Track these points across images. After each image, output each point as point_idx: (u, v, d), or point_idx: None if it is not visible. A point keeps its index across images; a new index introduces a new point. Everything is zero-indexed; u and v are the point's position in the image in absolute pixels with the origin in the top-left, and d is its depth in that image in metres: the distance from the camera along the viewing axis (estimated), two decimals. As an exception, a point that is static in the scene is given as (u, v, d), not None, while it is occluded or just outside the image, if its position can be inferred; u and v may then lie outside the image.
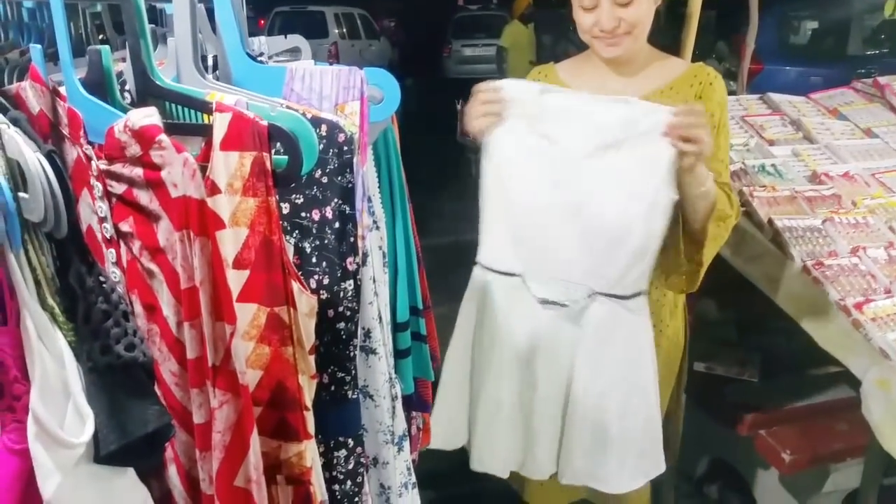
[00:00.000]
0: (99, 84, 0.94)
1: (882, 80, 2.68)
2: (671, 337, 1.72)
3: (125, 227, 0.89)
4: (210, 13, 1.15)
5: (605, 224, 1.34)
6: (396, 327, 1.35)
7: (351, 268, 1.05)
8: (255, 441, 0.87)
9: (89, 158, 0.87)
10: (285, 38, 1.51)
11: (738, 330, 2.54)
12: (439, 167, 5.49)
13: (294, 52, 1.59)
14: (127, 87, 1.03)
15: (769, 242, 1.96)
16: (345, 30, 10.84)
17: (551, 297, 1.37)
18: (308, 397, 0.99)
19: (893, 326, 1.66)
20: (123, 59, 1.05)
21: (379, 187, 1.27)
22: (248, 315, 0.95)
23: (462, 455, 1.48)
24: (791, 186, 2.12)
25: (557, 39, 6.94)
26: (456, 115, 4.27)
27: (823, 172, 2.19)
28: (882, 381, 1.60)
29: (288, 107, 1.01)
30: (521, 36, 7.18)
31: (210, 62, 1.16)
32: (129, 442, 0.75)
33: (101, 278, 0.77)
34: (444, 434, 1.50)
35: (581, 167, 1.33)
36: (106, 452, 0.75)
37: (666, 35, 2.08)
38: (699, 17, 2.22)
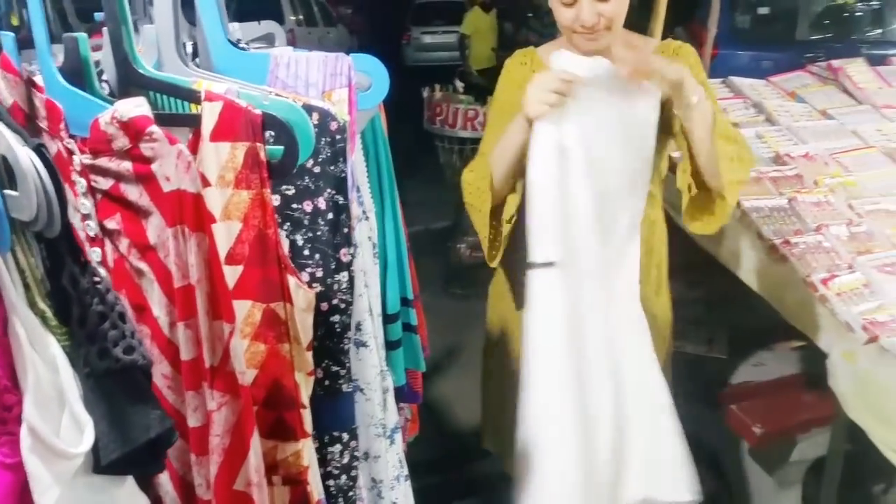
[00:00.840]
0: (76, 74, 0.90)
1: (835, 63, 2.75)
2: (659, 315, 1.73)
3: (111, 224, 0.84)
4: (183, 1, 1.10)
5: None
6: (387, 318, 1.33)
7: (345, 259, 1.03)
8: (255, 443, 0.84)
9: (71, 153, 0.83)
10: (259, 23, 1.46)
11: (705, 309, 2.58)
12: (403, 155, 5.44)
13: (268, 40, 1.55)
14: (104, 77, 0.98)
15: (737, 222, 2.00)
16: (301, 16, 10.62)
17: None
18: (305, 395, 0.97)
19: (857, 301, 1.70)
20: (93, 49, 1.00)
21: (367, 177, 1.25)
22: (243, 312, 0.91)
23: (450, 442, 1.48)
24: (756, 168, 2.16)
25: (518, 27, 6.95)
26: (421, 103, 4.25)
27: (786, 153, 2.24)
28: (848, 353, 1.64)
29: (277, 94, 0.98)
30: (482, 23, 7.15)
31: (189, 49, 1.11)
32: (131, 450, 0.72)
33: (96, 278, 0.73)
34: None
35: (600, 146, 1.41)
36: (108, 461, 0.71)
37: (634, 17, 2.10)
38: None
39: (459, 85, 4.36)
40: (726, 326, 2.43)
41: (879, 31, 6.13)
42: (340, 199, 1.00)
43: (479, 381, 1.87)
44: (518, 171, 1.47)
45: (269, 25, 1.47)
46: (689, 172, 1.50)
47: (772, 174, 2.13)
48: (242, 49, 1.15)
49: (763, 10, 6.40)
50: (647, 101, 1.46)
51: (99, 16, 1.41)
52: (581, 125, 1.36)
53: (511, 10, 7.22)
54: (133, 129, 0.79)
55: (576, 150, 1.36)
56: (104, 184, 0.83)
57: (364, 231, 1.21)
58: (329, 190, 1.00)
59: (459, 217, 4.31)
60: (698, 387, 2.20)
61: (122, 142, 0.80)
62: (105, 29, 0.94)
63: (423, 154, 4.71)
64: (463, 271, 3.92)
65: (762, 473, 2.17)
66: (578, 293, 1.39)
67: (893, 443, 1.44)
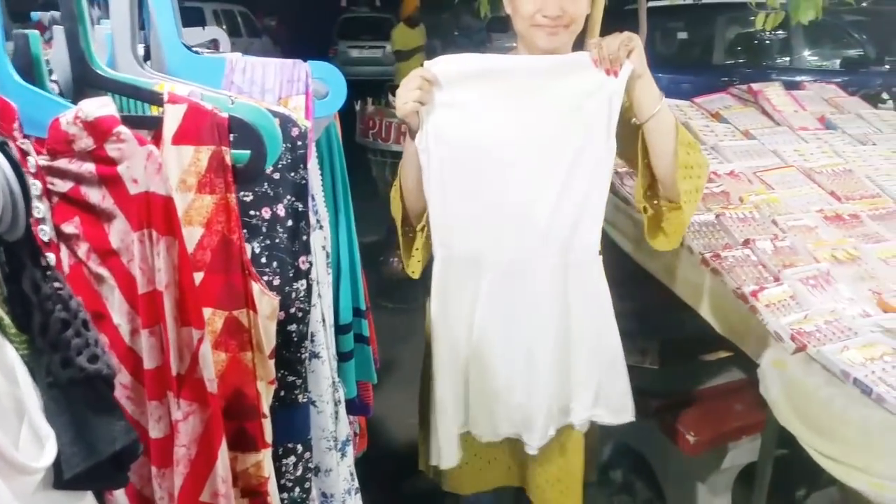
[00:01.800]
0: (27, 72, 0.86)
1: (755, 86, 2.90)
2: None
3: (69, 228, 0.81)
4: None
5: (552, 184, 1.43)
6: (339, 329, 1.32)
7: (304, 267, 1.02)
8: (223, 453, 0.82)
9: (25, 153, 0.79)
10: (203, 28, 1.44)
11: (638, 320, 2.65)
12: (354, 160, 5.38)
13: (209, 44, 1.52)
14: (53, 77, 0.94)
15: (669, 237, 2.07)
16: (225, 27, 10.47)
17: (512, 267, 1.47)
18: (266, 404, 0.95)
19: (785, 312, 1.78)
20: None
21: (322, 185, 1.23)
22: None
23: (397, 456, 1.47)
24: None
25: (445, 43, 7.02)
26: (350, 115, 4.23)
27: (713, 171, 2.34)
28: (777, 361, 1.72)
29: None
30: (410, 39, 7.19)
31: (141, 52, 1.08)
32: (96, 463, 0.69)
33: (58, 284, 0.70)
34: (448, 450, 1.55)
35: (519, 132, 1.41)
36: (71, 475, 0.68)
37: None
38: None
39: (392, 99, 4.37)
40: (658, 338, 2.50)
41: (787, 58, 6.51)
42: (300, 206, 0.99)
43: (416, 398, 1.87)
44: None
45: (213, 31, 1.44)
46: (644, 191, 1.53)
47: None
48: (196, 52, 1.13)
49: (682, 36, 6.71)
50: (583, 96, 1.44)
51: (36, 15, 1.36)
52: (480, 120, 1.39)
53: (439, 28, 7.30)
54: (99, 130, 0.76)
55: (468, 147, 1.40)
56: (62, 186, 0.80)
57: (318, 240, 1.20)
58: (289, 196, 0.99)
59: (391, 231, 4.30)
60: (632, 396, 2.25)
61: (85, 142, 0.77)
62: (56, 27, 0.90)
63: (355, 167, 4.68)
64: (394, 285, 3.92)
65: (695, 481, 2.24)
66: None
67: (821, 447, 1.51)
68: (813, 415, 1.56)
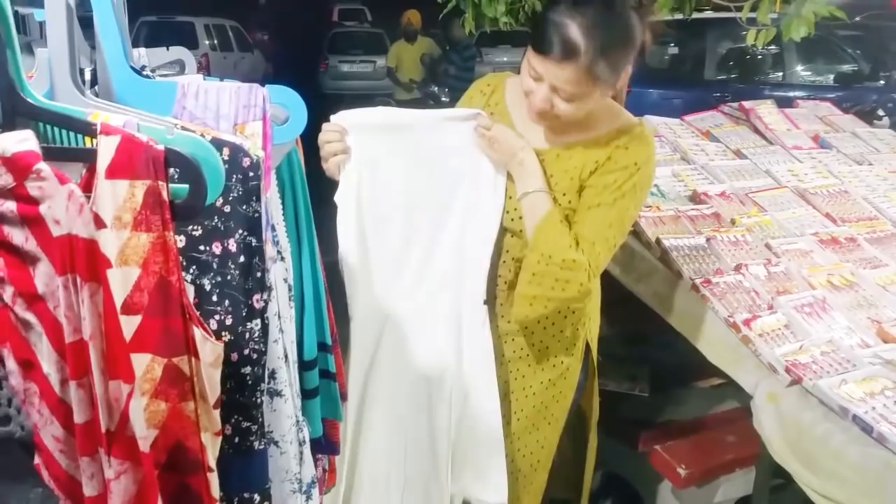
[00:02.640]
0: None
1: (747, 104, 2.85)
2: (563, 373, 1.68)
3: (-8, 270, 0.74)
4: (84, 22, 1.01)
5: (444, 236, 1.50)
6: (303, 365, 1.25)
7: (258, 305, 0.95)
8: (158, 516, 0.75)
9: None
10: (167, 49, 1.38)
11: (627, 346, 2.59)
12: (319, 185, 5.34)
13: (175, 65, 1.45)
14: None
15: (657, 261, 2.01)
16: (216, 41, 10.47)
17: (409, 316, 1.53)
18: (212, 457, 0.87)
19: (779, 342, 1.72)
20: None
21: (283, 215, 1.17)
22: (141, 367, 0.82)
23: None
24: (674, 206, 2.19)
25: (439, 60, 6.99)
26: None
27: (703, 192, 2.28)
28: (771, 394, 1.65)
29: (183, 128, 0.90)
30: (406, 55, 7.17)
31: (87, 76, 1.02)
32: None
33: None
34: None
35: (419, 187, 1.49)
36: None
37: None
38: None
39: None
40: (648, 364, 2.44)
41: (780, 74, 6.48)
42: (253, 241, 0.92)
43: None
44: None
45: (178, 51, 1.38)
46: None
47: (690, 213, 2.16)
48: (146, 77, 1.06)
49: (673, 51, 6.69)
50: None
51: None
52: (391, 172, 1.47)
53: (432, 44, 7.28)
54: (17, 166, 0.69)
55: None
56: (-18, 226, 0.73)
57: (279, 272, 1.14)
58: (241, 231, 0.92)
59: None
60: (621, 425, 2.18)
61: (4, 179, 0.70)
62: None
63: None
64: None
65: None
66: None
67: (818, 486, 1.44)
68: (809, 452, 1.50)
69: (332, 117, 1.44)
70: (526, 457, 1.68)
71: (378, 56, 10.73)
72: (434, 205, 1.50)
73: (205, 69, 8.78)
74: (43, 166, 0.69)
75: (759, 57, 6.56)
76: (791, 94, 5.34)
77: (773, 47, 6.41)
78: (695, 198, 2.27)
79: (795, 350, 1.64)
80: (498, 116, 1.56)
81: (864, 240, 2.09)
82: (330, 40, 12.71)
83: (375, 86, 10.34)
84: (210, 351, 0.83)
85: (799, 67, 6.51)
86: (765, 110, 2.76)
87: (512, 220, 1.52)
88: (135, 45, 1.21)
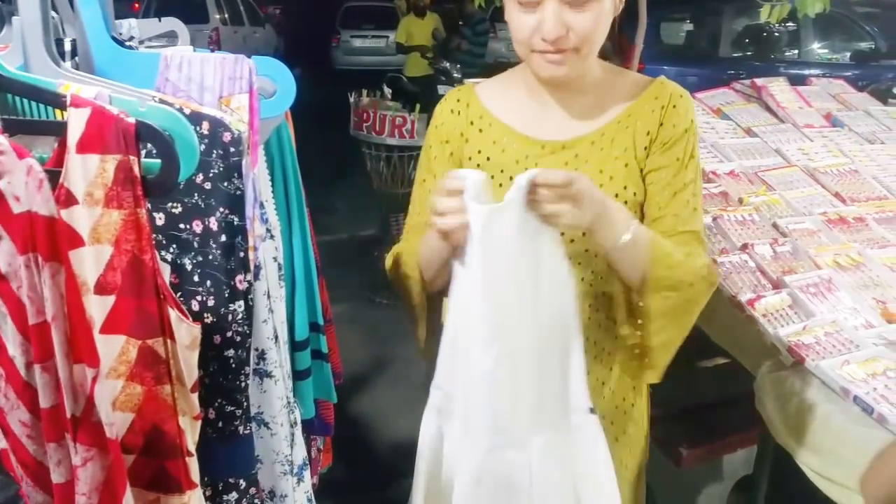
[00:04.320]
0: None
1: (759, 81, 2.78)
2: (636, 419, 1.44)
3: (-45, 248, 0.72)
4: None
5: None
6: (295, 346, 1.22)
7: (241, 287, 0.92)
8: (128, 502, 0.73)
9: None
10: (159, 20, 1.33)
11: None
12: (330, 161, 5.31)
13: (170, 38, 1.41)
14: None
15: (663, 240, 1.97)
16: (227, 15, 10.33)
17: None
18: (191, 441, 0.85)
19: (783, 321, 1.69)
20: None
21: (273, 191, 1.13)
22: (115, 349, 0.80)
23: (362, 473, 1.38)
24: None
25: (450, 34, 6.90)
26: (348, 107, 4.12)
27: (712, 171, 2.23)
28: (774, 374, 1.63)
29: (161, 100, 0.86)
30: (416, 30, 7.06)
31: (68, 47, 0.98)
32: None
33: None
34: None
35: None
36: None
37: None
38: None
39: (387, 91, 4.26)
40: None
41: (796, 51, 6.36)
42: (235, 220, 0.89)
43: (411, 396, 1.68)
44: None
45: (170, 22, 1.34)
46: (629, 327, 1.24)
47: (698, 191, 2.11)
48: (129, 48, 1.03)
49: (689, 27, 6.58)
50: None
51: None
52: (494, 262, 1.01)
53: (443, 19, 7.18)
54: (-26, 139, 0.66)
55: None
56: (-57, 202, 0.70)
57: (269, 251, 1.10)
58: (222, 209, 0.89)
59: (386, 225, 4.21)
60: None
61: (-39, 153, 0.67)
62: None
63: (352, 160, 4.59)
64: (388, 281, 3.80)
65: (688, 494, 2.15)
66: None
67: (818, 466, 1.42)
68: (810, 432, 1.48)
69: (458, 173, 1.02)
70: None
71: (390, 31, 10.59)
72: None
73: (215, 44, 8.70)
74: (1, 139, 0.66)
75: (776, 34, 6.43)
76: (806, 71, 5.24)
77: (789, 24, 6.29)
78: (703, 176, 2.23)
79: (799, 330, 1.61)
80: (493, 129, 1.26)
81: (873, 220, 2.05)
82: (342, 15, 12.61)
83: (387, 61, 10.24)
84: (186, 332, 0.80)
85: (815, 45, 6.38)
86: (777, 88, 2.69)
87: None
88: (145, 16, 1.17)
